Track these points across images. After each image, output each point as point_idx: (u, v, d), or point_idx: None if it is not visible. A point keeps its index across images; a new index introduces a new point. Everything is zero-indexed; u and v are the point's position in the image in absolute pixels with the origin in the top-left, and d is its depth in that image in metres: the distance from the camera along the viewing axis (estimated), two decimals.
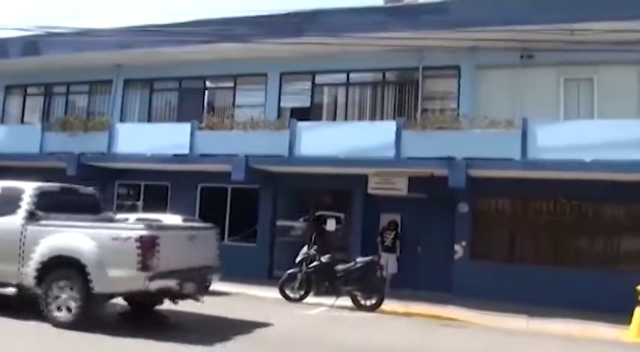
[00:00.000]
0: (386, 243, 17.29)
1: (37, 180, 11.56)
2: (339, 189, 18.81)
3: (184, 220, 15.58)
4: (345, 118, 19.27)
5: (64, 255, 9.39)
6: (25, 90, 24.41)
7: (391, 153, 16.55)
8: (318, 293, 14.38)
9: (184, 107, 21.34)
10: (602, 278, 15.31)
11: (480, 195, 17.16)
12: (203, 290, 10.76)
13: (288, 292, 14.41)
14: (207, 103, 21.34)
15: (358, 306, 13.81)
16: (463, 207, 17.21)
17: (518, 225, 17.15)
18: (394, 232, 17.41)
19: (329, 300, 14.03)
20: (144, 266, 8.99)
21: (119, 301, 10.96)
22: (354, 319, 12.79)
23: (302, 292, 14.35)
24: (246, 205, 19.87)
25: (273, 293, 14.60)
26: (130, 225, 10.03)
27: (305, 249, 14.72)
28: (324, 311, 13.46)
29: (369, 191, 18.08)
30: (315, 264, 14.31)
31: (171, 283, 9.52)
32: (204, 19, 18.75)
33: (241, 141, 18.18)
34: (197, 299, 10.55)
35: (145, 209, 20.36)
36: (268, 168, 18.52)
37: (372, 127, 17.73)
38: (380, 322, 12.52)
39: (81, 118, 21.34)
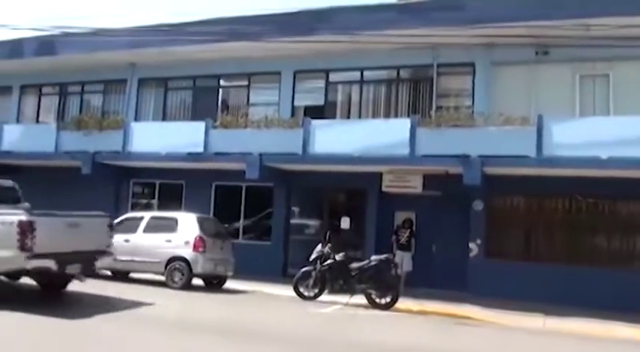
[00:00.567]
0: (401, 241, 17.23)
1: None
2: (353, 187, 18.79)
3: (199, 218, 15.67)
4: (359, 116, 19.24)
5: None
6: (40, 90, 24.57)
7: (405, 151, 16.48)
8: (332, 292, 14.33)
9: (199, 106, 21.40)
10: (619, 277, 15.21)
11: (495, 193, 17.06)
12: (89, 271, 11.74)
13: (302, 290, 14.38)
14: (222, 102, 21.39)
15: (373, 304, 13.76)
16: (478, 205, 17.12)
17: (534, 223, 17.03)
18: (409, 230, 17.36)
19: (343, 298, 13.99)
20: (22, 247, 10.09)
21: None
22: (368, 317, 12.74)
23: (316, 290, 14.31)
24: (260, 203, 19.89)
25: (288, 291, 14.58)
26: (15, 212, 10.81)
27: (319, 246, 14.68)
28: (339, 309, 13.43)
29: (384, 189, 18.04)
30: (329, 262, 14.26)
31: (50, 263, 10.49)
32: (217, 18, 18.81)
33: (255, 139, 18.19)
34: (81, 280, 11.70)
35: (160, 207, 20.47)
36: (282, 167, 18.52)
37: (386, 125, 17.66)
38: (395, 320, 12.47)
39: (96, 117, 21.44)
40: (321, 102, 19.81)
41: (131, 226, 15.83)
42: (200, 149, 18.81)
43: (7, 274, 11.21)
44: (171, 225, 15.47)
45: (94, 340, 8.34)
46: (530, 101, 16.83)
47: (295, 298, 14.24)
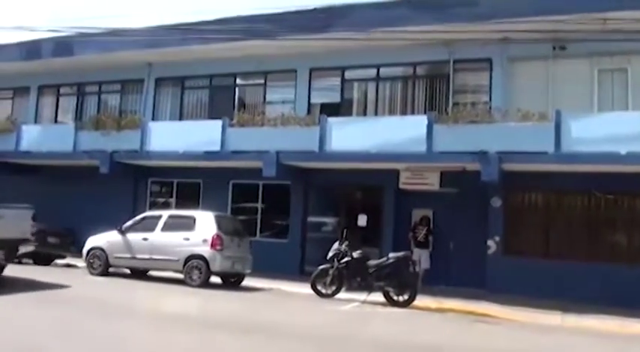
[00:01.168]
0: (418, 239, 17.20)
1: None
2: (370, 184, 18.76)
3: (216, 216, 15.72)
4: (376, 113, 19.20)
5: None
6: (58, 91, 24.77)
7: (422, 148, 16.44)
8: (349, 289, 14.31)
9: (215, 104, 21.47)
10: (638, 274, 15.06)
11: (512, 190, 16.97)
12: (12, 258, 13.05)
13: (319, 288, 14.37)
14: (238, 100, 21.45)
15: (391, 302, 13.74)
16: (496, 202, 17.02)
17: (552, 220, 16.91)
18: (426, 227, 17.32)
19: (361, 296, 13.98)
20: None
21: None
22: (386, 315, 12.72)
23: (334, 288, 14.29)
24: (277, 201, 19.93)
25: (305, 289, 14.60)
26: None
27: (336, 244, 14.66)
28: (356, 306, 13.42)
29: (401, 186, 18.01)
30: (346, 259, 14.25)
31: None
32: (233, 17, 18.88)
33: (272, 137, 18.23)
34: (3, 265, 12.98)
35: (178, 206, 20.57)
36: (299, 164, 18.55)
37: (402, 122, 17.62)
38: (413, 318, 12.44)
39: (113, 117, 21.60)
40: (337, 99, 19.81)
41: (149, 225, 15.93)
42: (217, 147, 18.88)
43: None
44: (189, 224, 15.53)
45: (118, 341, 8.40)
46: (547, 96, 16.71)
47: (313, 296, 14.25)
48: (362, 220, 18.58)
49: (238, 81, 21.63)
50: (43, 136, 22.12)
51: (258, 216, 20.19)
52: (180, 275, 15.17)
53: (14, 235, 12.75)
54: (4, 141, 22.34)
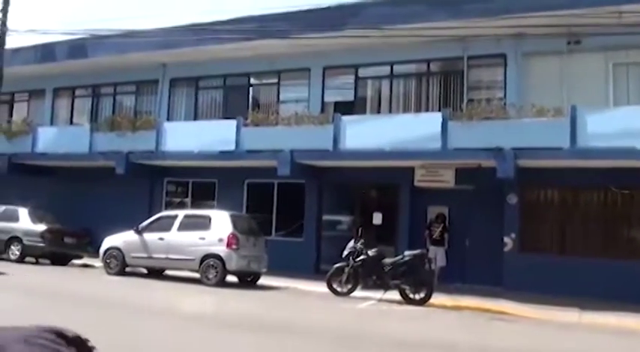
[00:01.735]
0: (434, 236, 17.16)
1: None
2: (385, 182, 18.74)
3: (232, 216, 15.77)
4: (390, 111, 19.17)
5: None
6: (74, 92, 24.95)
7: (437, 145, 16.38)
8: (365, 287, 14.30)
9: (229, 104, 21.54)
10: None
11: (528, 186, 16.87)
12: None
13: (335, 286, 14.37)
14: (252, 100, 21.50)
15: (407, 300, 13.70)
16: (512, 199, 16.92)
17: (569, 216, 16.78)
18: (442, 225, 17.27)
19: (377, 294, 13.97)
20: None
21: None
22: (403, 313, 12.71)
23: (349, 286, 14.28)
24: (292, 200, 19.96)
25: (321, 287, 14.59)
26: None
27: (352, 242, 14.65)
28: (372, 304, 13.40)
29: (416, 183, 17.95)
30: (362, 257, 14.23)
31: None
32: (246, 16, 18.93)
33: (286, 136, 18.24)
34: None
35: (194, 205, 20.65)
36: (314, 163, 18.55)
37: (417, 119, 17.58)
38: (430, 316, 12.42)
39: (129, 118, 21.71)
40: (350, 97, 19.80)
41: (165, 224, 16.02)
42: (232, 147, 18.92)
43: None
44: (204, 223, 15.59)
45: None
46: (562, 91, 16.60)
47: (328, 294, 14.25)
48: (377, 218, 18.56)
49: (252, 80, 21.68)
50: (59, 138, 22.31)
51: (274, 215, 20.23)
52: (197, 275, 15.24)
53: None
54: (21, 143, 22.55)
